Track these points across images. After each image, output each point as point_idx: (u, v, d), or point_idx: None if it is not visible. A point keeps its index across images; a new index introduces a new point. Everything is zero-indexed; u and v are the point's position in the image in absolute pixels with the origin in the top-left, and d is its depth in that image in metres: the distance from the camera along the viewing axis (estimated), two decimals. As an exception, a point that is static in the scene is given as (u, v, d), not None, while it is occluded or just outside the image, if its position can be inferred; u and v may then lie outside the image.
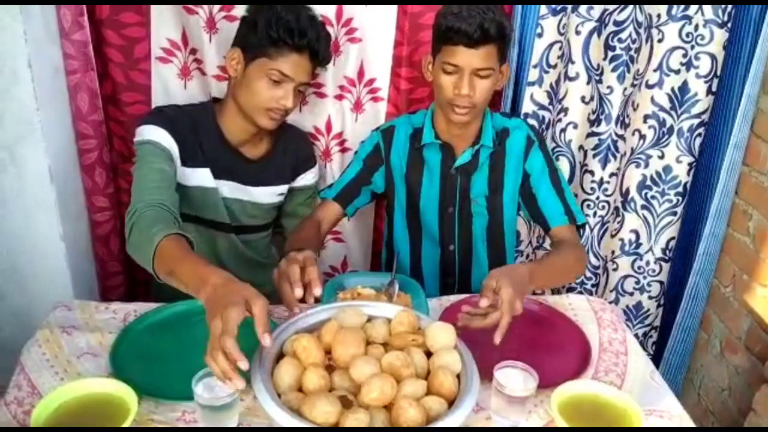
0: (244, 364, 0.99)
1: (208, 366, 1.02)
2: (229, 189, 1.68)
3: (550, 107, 1.89)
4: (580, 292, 2.04)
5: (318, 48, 1.55)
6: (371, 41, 1.78)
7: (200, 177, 1.62)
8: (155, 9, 1.69)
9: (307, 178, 1.81)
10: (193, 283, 1.13)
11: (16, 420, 1.10)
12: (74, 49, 1.63)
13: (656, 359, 2.06)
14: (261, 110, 1.56)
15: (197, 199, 1.64)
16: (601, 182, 1.94)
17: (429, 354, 1.14)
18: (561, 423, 1.09)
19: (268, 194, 1.74)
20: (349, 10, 1.72)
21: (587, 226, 1.99)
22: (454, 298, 1.53)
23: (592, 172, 1.93)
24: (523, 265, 1.57)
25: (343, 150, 1.92)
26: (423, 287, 1.53)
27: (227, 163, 1.65)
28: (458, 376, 1.09)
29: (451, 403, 1.03)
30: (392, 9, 1.74)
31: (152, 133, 1.52)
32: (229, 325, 1.00)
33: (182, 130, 1.57)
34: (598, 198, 1.96)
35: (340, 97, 1.84)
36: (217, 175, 1.65)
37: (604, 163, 1.92)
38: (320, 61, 1.59)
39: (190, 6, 1.68)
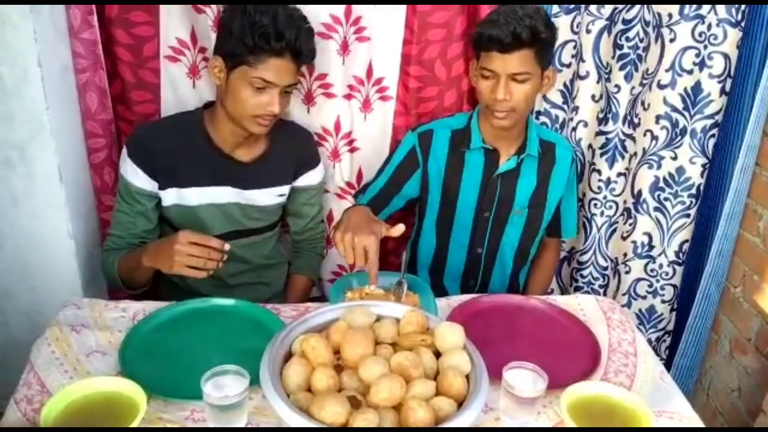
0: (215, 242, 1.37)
1: (182, 268, 1.38)
2: (227, 194, 1.67)
3: (564, 106, 1.88)
4: (588, 292, 2.04)
5: (300, 47, 1.48)
6: (380, 40, 1.77)
7: (187, 196, 1.63)
8: (164, 8, 1.69)
9: (310, 178, 1.78)
10: (146, 256, 1.48)
11: (26, 418, 1.10)
12: (83, 48, 1.63)
13: (669, 363, 2.04)
14: (248, 117, 1.52)
15: (191, 217, 1.66)
16: (608, 181, 1.93)
17: (438, 354, 1.14)
18: (571, 424, 1.09)
19: (268, 196, 1.72)
20: (357, 8, 1.71)
21: (594, 225, 1.98)
22: (462, 298, 1.53)
23: (599, 171, 1.92)
24: None
25: (352, 150, 1.91)
26: (444, 287, 1.53)
27: (220, 169, 1.64)
28: (467, 377, 1.09)
29: (461, 403, 1.03)
30: (401, 7, 1.74)
31: (128, 170, 1.60)
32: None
33: (165, 155, 1.59)
34: (605, 197, 1.95)
35: (348, 97, 1.84)
36: (212, 182, 1.64)
37: (612, 163, 1.91)
38: (304, 60, 1.53)
39: (199, 5, 1.67)
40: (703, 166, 1.81)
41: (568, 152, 1.75)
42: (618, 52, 1.78)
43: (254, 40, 1.43)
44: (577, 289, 2.06)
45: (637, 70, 1.79)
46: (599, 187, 1.94)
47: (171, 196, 1.63)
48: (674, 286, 1.96)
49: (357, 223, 1.41)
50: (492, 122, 1.61)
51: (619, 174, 1.91)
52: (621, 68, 1.79)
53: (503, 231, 1.76)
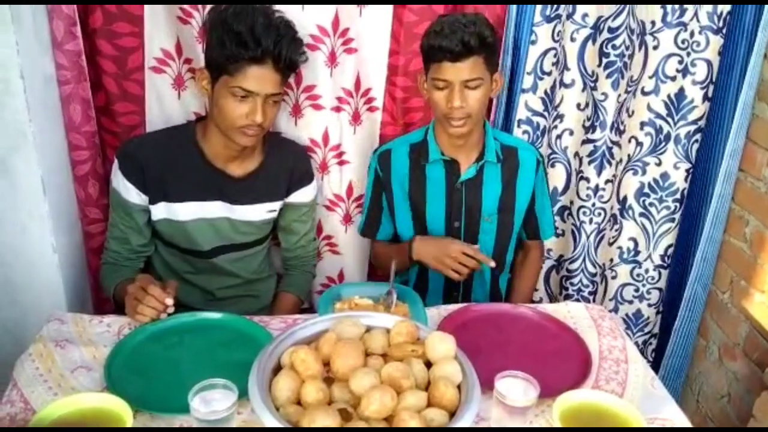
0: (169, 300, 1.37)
1: (139, 316, 1.36)
2: (216, 209, 1.65)
3: (545, 114, 1.89)
4: (578, 300, 2.04)
5: (280, 54, 1.45)
6: (367, 51, 1.77)
7: (177, 211, 1.63)
8: (149, 18, 1.67)
9: (303, 195, 1.76)
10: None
11: (9, 436, 1.08)
12: (67, 60, 1.61)
13: (655, 365, 2.05)
14: (234, 129, 1.51)
15: (181, 232, 1.65)
16: (596, 189, 1.93)
17: (429, 364, 1.13)
18: (563, 433, 1.08)
19: (258, 212, 1.70)
20: (344, 20, 1.71)
21: (584, 233, 1.99)
22: (452, 308, 1.52)
23: (587, 179, 1.92)
24: None
25: (341, 163, 1.90)
26: (425, 300, 1.53)
27: (211, 183, 1.63)
28: (459, 387, 1.08)
29: (452, 414, 1.02)
30: (387, 18, 1.74)
31: (119, 184, 1.60)
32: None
33: (155, 169, 1.59)
34: (593, 205, 1.95)
35: (337, 109, 1.83)
36: (202, 197, 1.63)
37: (600, 170, 1.91)
38: (286, 67, 1.50)
39: (183, 16, 1.66)
40: (687, 171, 1.83)
41: (532, 154, 1.76)
42: (605, 60, 1.79)
43: (232, 48, 1.42)
44: (567, 297, 2.06)
45: (623, 77, 1.80)
46: (588, 195, 1.94)
47: (161, 211, 1.62)
48: (660, 289, 1.98)
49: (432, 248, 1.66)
50: (450, 131, 1.62)
51: (607, 181, 1.92)
52: (608, 76, 1.80)
53: (476, 240, 1.76)
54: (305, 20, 1.66)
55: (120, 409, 1.07)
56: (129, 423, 1.04)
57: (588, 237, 2.00)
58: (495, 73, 1.62)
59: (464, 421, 0.98)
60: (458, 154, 1.70)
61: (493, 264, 1.62)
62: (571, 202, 1.99)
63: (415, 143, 1.74)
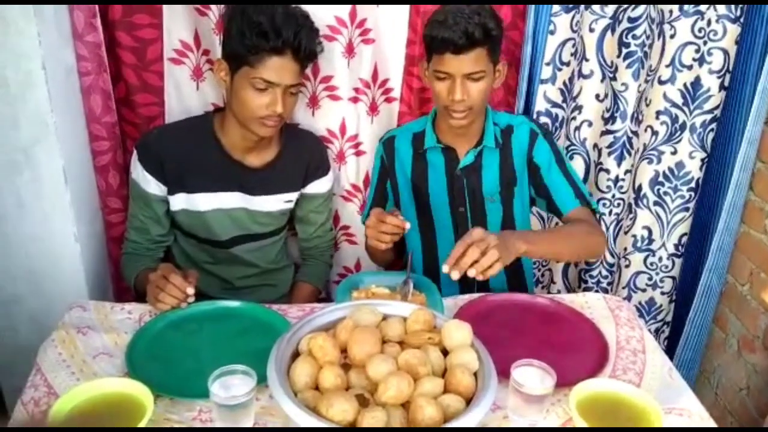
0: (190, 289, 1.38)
1: (160, 304, 1.38)
2: (234, 199, 1.67)
3: (564, 105, 1.88)
4: (597, 291, 2.03)
5: (300, 45, 1.46)
6: (385, 41, 1.77)
7: (196, 201, 1.64)
8: (167, 10, 1.69)
9: (319, 186, 1.77)
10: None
11: (34, 420, 1.10)
12: (87, 51, 1.63)
13: (668, 354, 2.03)
14: (253, 119, 1.52)
15: (199, 222, 1.67)
16: (616, 180, 1.92)
17: (445, 353, 1.13)
18: (579, 422, 1.08)
19: (275, 202, 1.71)
20: (362, 11, 1.72)
21: (603, 224, 1.98)
22: (468, 297, 1.52)
23: (607, 171, 1.91)
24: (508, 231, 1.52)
25: (359, 153, 1.91)
26: (440, 288, 1.52)
27: (229, 174, 1.64)
28: (475, 375, 1.08)
29: (469, 401, 1.03)
30: (405, 8, 1.74)
31: (139, 175, 1.63)
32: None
33: (174, 161, 1.60)
34: (614, 196, 1.94)
35: (355, 100, 1.83)
36: (220, 188, 1.64)
37: (620, 161, 1.90)
38: (305, 58, 1.51)
39: (200, 7, 1.68)
40: (702, 160, 1.82)
41: (525, 127, 1.69)
42: (624, 51, 1.77)
43: (252, 39, 1.43)
44: (586, 289, 2.05)
45: (643, 67, 1.78)
46: (608, 187, 1.93)
47: (179, 201, 1.64)
48: (673, 278, 1.98)
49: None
50: (450, 123, 1.59)
51: (627, 171, 1.91)
52: (628, 66, 1.78)
53: (484, 221, 1.74)
54: (322, 11, 1.67)
55: (141, 394, 1.08)
56: (150, 407, 1.05)
57: (608, 228, 1.99)
58: (498, 63, 1.58)
59: (481, 408, 0.98)
60: (457, 141, 1.68)
61: (408, 225, 1.45)
62: (590, 194, 1.98)
63: (417, 132, 1.73)
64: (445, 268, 1.26)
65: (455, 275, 1.25)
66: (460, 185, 1.70)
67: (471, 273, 1.24)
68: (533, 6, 1.75)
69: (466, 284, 1.79)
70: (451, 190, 1.71)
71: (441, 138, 1.69)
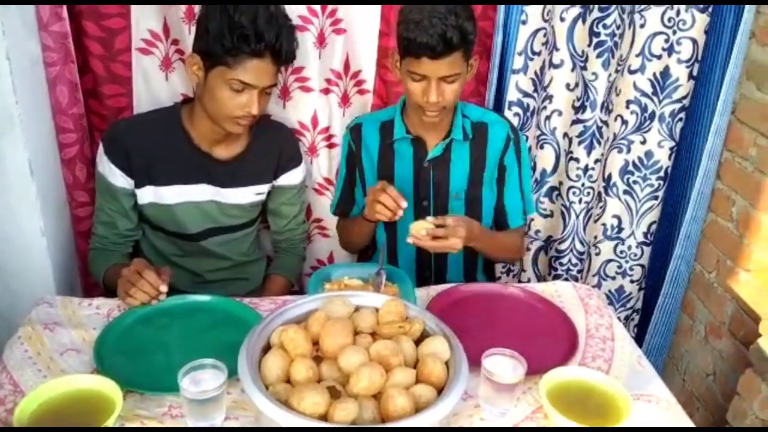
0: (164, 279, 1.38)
1: (130, 299, 1.37)
2: (203, 192, 1.65)
3: (535, 95, 1.89)
4: (566, 279, 2.05)
5: (280, 49, 1.44)
6: (356, 32, 1.76)
7: (164, 194, 1.62)
8: (135, -1, 1.66)
9: (291, 177, 1.75)
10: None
11: (-1, 419, 1.08)
12: (53, 41, 1.60)
13: (638, 341, 2.07)
14: (226, 118, 1.50)
15: (168, 215, 1.65)
16: (586, 169, 1.94)
17: (418, 342, 1.14)
18: (550, 410, 1.10)
19: (245, 194, 1.69)
20: (334, -1, 1.70)
21: (573, 213, 2.00)
22: (441, 287, 1.53)
23: (577, 159, 1.93)
24: (480, 226, 1.65)
25: (331, 145, 1.90)
26: None
27: (198, 166, 1.62)
28: (447, 364, 1.09)
29: (440, 390, 1.03)
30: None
31: (105, 168, 1.60)
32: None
33: (141, 153, 1.58)
34: (583, 185, 1.96)
35: (326, 91, 1.82)
36: (189, 180, 1.62)
37: (589, 150, 1.92)
38: (284, 61, 1.50)
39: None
40: (671, 149, 1.84)
41: (502, 129, 1.69)
42: (595, 40, 1.79)
43: (233, 41, 1.40)
44: (556, 277, 2.07)
45: (613, 57, 1.80)
46: (577, 175, 1.95)
47: (147, 194, 1.62)
48: (642, 266, 2.00)
49: None
50: (423, 119, 1.59)
51: (596, 161, 1.93)
52: (598, 56, 1.80)
53: None
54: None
55: (110, 390, 1.07)
56: (119, 403, 1.04)
57: (578, 216, 2.01)
58: (471, 58, 1.55)
59: (452, 397, 0.99)
60: (425, 132, 1.67)
61: (405, 204, 1.47)
62: (560, 183, 2.00)
63: (385, 121, 1.71)
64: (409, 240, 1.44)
65: (410, 240, 1.44)
66: (426, 177, 1.69)
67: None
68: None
69: (423, 279, 1.79)
70: (416, 182, 1.70)
71: (410, 128, 1.67)
